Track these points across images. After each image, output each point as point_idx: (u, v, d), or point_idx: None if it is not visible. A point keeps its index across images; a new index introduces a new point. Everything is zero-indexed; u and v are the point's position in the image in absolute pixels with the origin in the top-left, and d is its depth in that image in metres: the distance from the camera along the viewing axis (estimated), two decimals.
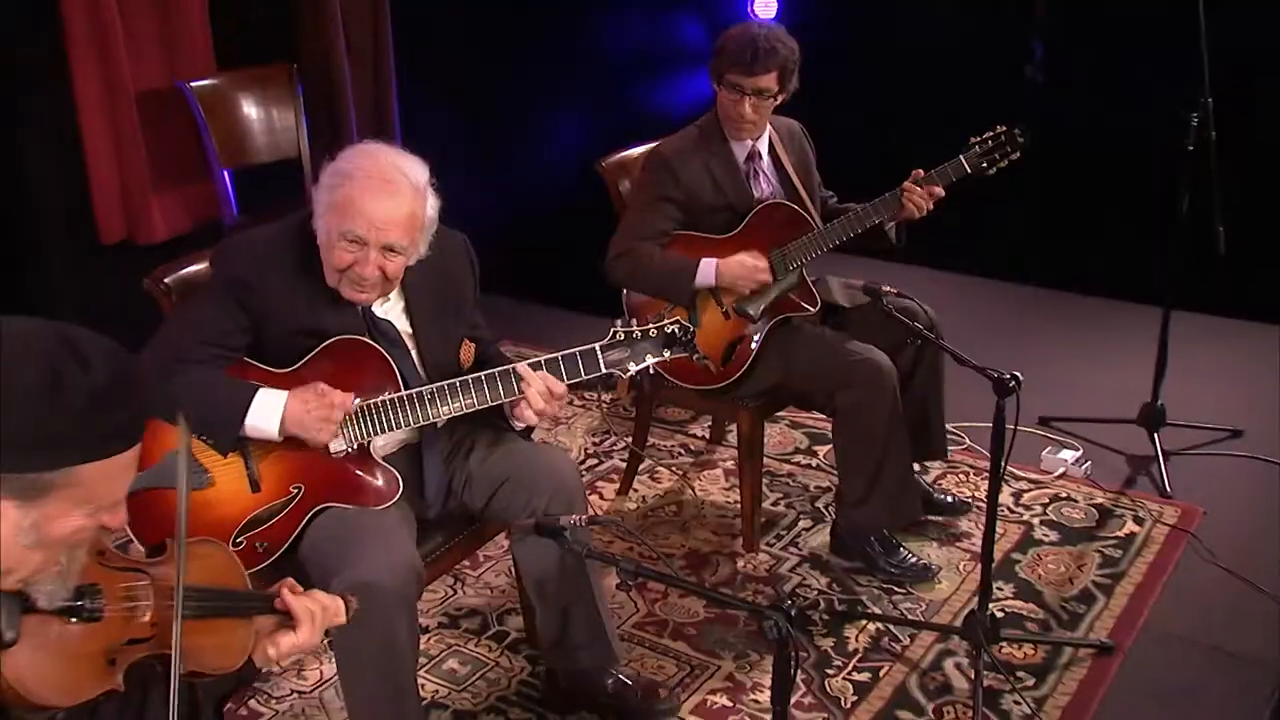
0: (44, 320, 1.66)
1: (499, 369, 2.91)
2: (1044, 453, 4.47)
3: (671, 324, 2.98)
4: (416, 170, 2.86)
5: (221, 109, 5.24)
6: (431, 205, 2.88)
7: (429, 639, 3.60)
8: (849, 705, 3.32)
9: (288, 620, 2.07)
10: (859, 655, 3.51)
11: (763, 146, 3.90)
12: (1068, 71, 6.05)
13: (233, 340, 2.86)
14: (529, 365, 2.91)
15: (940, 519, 4.10)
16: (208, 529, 2.82)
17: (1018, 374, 3.08)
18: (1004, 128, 3.77)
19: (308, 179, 5.26)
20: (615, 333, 2.97)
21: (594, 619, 3.15)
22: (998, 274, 6.23)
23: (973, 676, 3.32)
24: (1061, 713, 3.26)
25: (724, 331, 3.79)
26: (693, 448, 4.68)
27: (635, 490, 4.38)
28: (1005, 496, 4.27)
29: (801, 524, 4.16)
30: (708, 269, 3.71)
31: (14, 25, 4.81)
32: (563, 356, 2.93)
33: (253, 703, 3.35)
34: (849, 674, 3.43)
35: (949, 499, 4.13)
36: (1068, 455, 4.43)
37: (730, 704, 3.33)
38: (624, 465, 4.43)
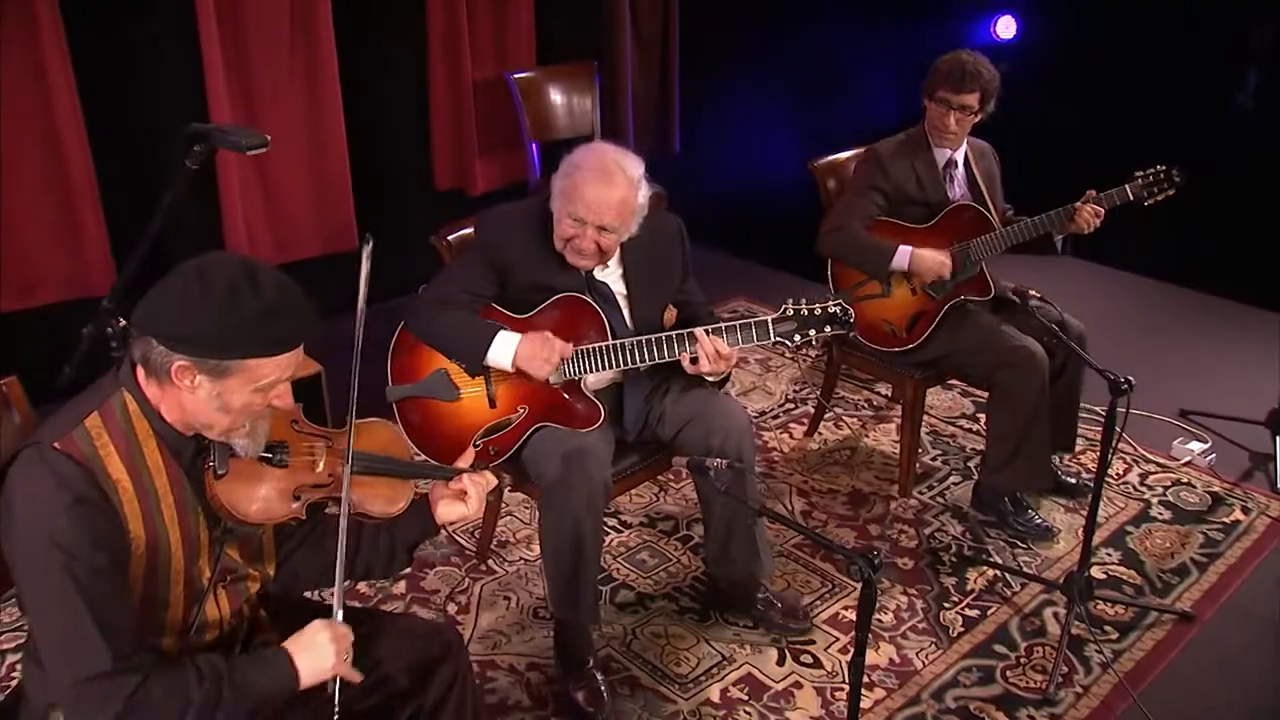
0: (238, 255, 1.85)
1: (677, 332, 2.96)
2: (1175, 441, 4.22)
3: (834, 305, 2.95)
4: (632, 166, 2.90)
5: (535, 95, 5.40)
6: (643, 194, 2.92)
7: (629, 533, 3.71)
8: (955, 634, 3.26)
9: (460, 494, 2.23)
10: (974, 595, 3.44)
11: (959, 157, 3.81)
12: (1264, 102, 5.59)
13: (485, 290, 3.01)
14: (713, 328, 2.95)
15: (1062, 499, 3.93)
16: (456, 432, 3.01)
17: (1130, 378, 2.93)
18: (1164, 167, 3.64)
19: None
20: (786, 308, 2.97)
21: (749, 540, 3.17)
22: (1163, 275, 5.80)
23: (1063, 625, 3.21)
24: (1134, 665, 3.13)
25: (910, 305, 3.74)
26: (875, 403, 4.61)
27: (820, 434, 4.35)
28: (1132, 475, 4.06)
29: (951, 479, 4.07)
30: (903, 255, 3.66)
31: (391, 24, 5.12)
32: (740, 324, 2.95)
33: (491, 562, 3.54)
34: (961, 609, 3.37)
35: (1073, 480, 3.95)
36: (1196, 446, 4.16)
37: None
38: (814, 411, 4.41)
